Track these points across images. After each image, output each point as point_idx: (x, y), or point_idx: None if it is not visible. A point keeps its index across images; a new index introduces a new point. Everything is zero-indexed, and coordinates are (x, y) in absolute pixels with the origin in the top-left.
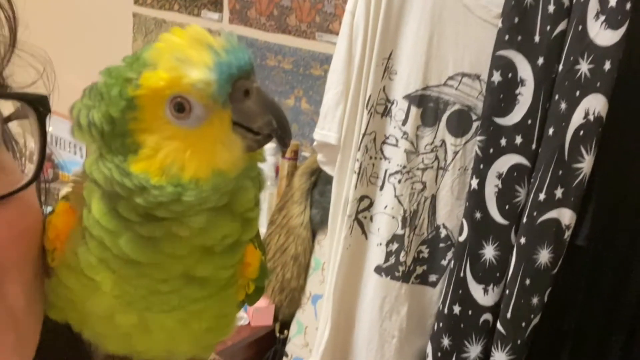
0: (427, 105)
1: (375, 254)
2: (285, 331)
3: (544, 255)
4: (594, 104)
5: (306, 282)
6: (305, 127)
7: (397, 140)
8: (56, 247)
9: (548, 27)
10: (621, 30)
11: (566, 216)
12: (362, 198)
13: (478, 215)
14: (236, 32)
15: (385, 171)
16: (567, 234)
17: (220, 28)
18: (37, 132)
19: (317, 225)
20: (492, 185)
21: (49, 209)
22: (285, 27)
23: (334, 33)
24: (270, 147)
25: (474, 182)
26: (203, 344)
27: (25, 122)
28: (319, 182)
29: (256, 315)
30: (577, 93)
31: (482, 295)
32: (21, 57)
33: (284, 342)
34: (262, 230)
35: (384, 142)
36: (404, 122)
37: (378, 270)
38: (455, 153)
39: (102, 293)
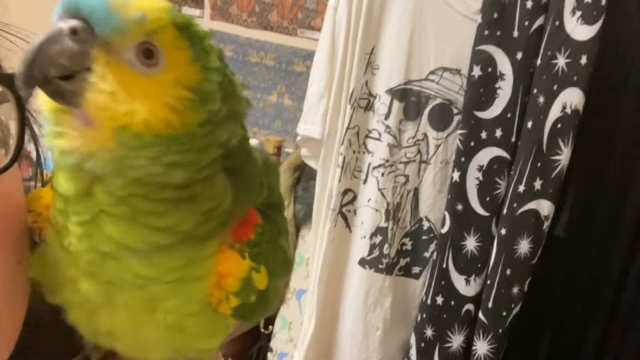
0: (409, 100)
1: (359, 247)
2: (270, 326)
3: (523, 246)
4: (571, 98)
5: (290, 277)
6: (288, 124)
7: (380, 134)
8: (42, 212)
9: (526, 22)
10: (597, 25)
11: (545, 207)
12: (345, 192)
13: (459, 207)
14: (218, 28)
15: (369, 165)
16: (546, 224)
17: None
18: (16, 114)
19: (301, 220)
20: (473, 178)
21: None
22: (267, 24)
23: (316, 29)
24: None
25: (456, 175)
26: (175, 344)
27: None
28: (303, 178)
29: None
30: (555, 87)
31: (464, 285)
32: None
33: (269, 337)
34: None
35: (367, 136)
36: (387, 116)
37: (362, 262)
38: (437, 146)
39: (69, 254)
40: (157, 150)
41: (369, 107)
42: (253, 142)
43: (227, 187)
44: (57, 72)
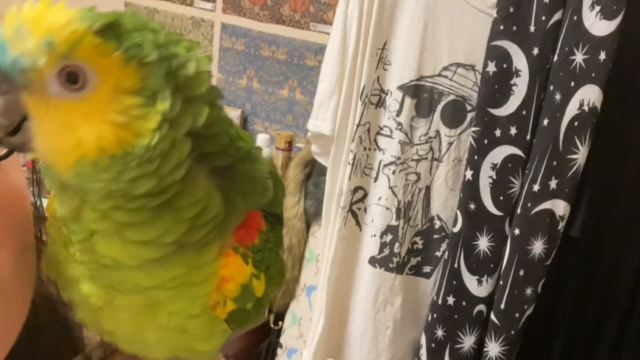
0: (421, 96)
1: (370, 245)
2: (280, 322)
3: (538, 246)
4: (589, 95)
5: (300, 273)
6: (299, 118)
7: (391, 131)
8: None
9: (543, 17)
10: (616, 21)
11: (560, 207)
12: (356, 189)
13: (472, 206)
14: (229, 22)
15: (380, 162)
16: (561, 225)
17: (214, 18)
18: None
19: (312, 216)
20: (486, 176)
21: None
22: (279, 17)
23: (328, 23)
24: (264, 138)
25: (469, 173)
26: (176, 345)
27: None
28: (314, 174)
29: None
30: (572, 84)
31: (476, 286)
32: None
33: (279, 333)
34: None
35: (378, 133)
36: (398, 113)
37: (372, 261)
38: (450, 144)
39: (72, 258)
40: (115, 171)
41: (380, 103)
42: (264, 136)
43: (213, 191)
44: (2, 132)
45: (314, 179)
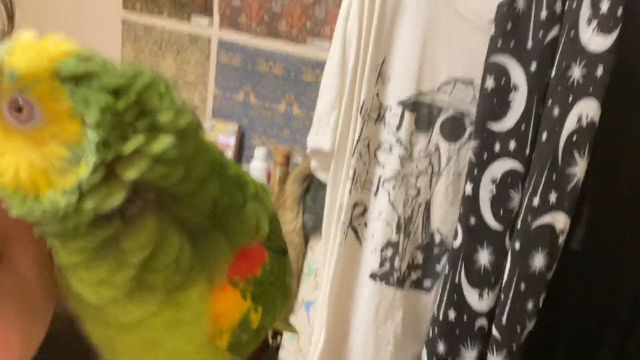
0: (420, 111)
1: (370, 260)
2: (278, 337)
3: (538, 260)
4: (587, 109)
5: (299, 288)
6: (297, 133)
7: (391, 146)
8: None
9: (541, 33)
10: (613, 36)
11: (560, 221)
12: (356, 204)
13: (472, 220)
14: (227, 37)
15: (380, 177)
16: (562, 238)
17: (210, 34)
18: None
19: (310, 231)
20: (486, 191)
21: None
22: (276, 33)
23: (325, 38)
24: (262, 150)
25: (468, 188)
26: None
27: None
28: (312, 188)
29: None
30: (570, 98)
31: (477, 300)
32: None
33: (277, 348)
34: None
35: (377, 148)
36: (398, 128)
37: (373, 276)
38: (449, 159)
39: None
40: (28, 208)
41: (379, 118)
42: (261, 150)
43: (171, 237)
44: None
45: (312, 193)
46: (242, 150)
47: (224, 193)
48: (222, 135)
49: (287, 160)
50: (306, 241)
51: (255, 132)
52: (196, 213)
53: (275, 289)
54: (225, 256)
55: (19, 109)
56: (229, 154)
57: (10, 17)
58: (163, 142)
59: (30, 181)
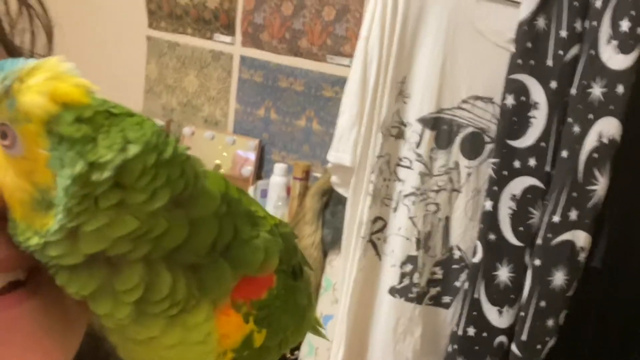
0: (440, 128)
1: (389, 276)
2: (296, 352)
3: (559, 277)
4: (608, 127)
5: (317, 302)
6: (317, 148)
7: (411, 162)
8: None
9: (561, 52)
10: (634, 55)
11: (581, 238)
12: (376, 219)
13: (492, 237)
14: (248, 54)
15: (399, 193)
16: (582, 256)
17: (233, 51)
18: None
19: (329, 245)
20: (506, 207)
21: None
22: (297, 50)
23: (345, 55)
24: (281, 167)
25: (488, 204)
26: None
27: None
28: (331, 203)
29: None
30: (590, 116)
31: (497, 317)
32: None
33: None
34: None
35: (397, 164)
36: (418, 145)
37: (392, 291)
38: (469, 175)
39: None
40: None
41: (400, 135)
42: (281, 166)
43: (162, 274)
44: None
45: (331, 208)
46: (262, 164)
47: (226, 231)
48: (240, 150)
49: (307, 175)
50: (325, 255)
51: (275, 147)
52: (188, 254)
53: (283, 311)
54: (229, 283)
55: (4, 135)
56: (249, 169)
57: (50, 39)
58: (127, 226)
59: (8, 195)
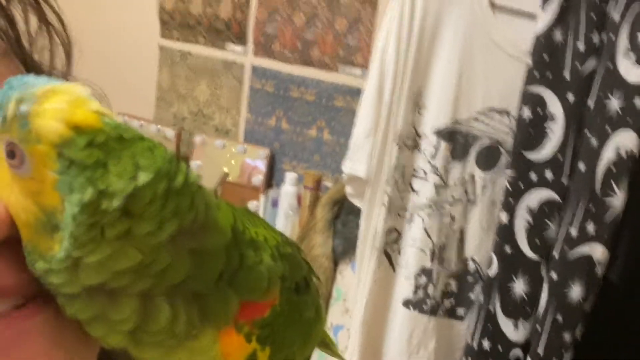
0: (456, 140)
1: (404, 287)
2: None
3: (576, 291)
4: (626, 140)
5: (327, 312)
6: (327, 158)
7: (426, 173)
8: None
9: (578, 64)
10: None
11: (598, 252)
12: (390, 231)
13: (508, 249)
14: (260, 64)
15: (414, 204)
16: (600, 269)
17: (244, 61)
18: None
19: (340, 255)
20: (522, 220)
21: None
22: (309, 60)
23: (357, 65)
24: (292, 176)
25: (504, 217)
26: None
27: None
28: (342, 213)
29: None
30: (608, 129)
31: (513, 330)
32: None
33: None
34: None
35: (413, 176)
36: (433, 156)
37: (406, 303)
38: (484, 187)
39: None
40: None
41: (415, 146)
42: (292, 175)
43: (159, 307)
44: None
45: (342, 218)
46: (272, 174)
47: (233, 260)
48: (248, 159)
49: (318, 184)
50: (335, 265)
51: (286, 157)
52: (194, 284)
53: (287, 327)
54: (233, 308)
55: (12, 154)
56: (259, 178)
57: (69, 57)
58: (129, 259)
59: (16, 217)
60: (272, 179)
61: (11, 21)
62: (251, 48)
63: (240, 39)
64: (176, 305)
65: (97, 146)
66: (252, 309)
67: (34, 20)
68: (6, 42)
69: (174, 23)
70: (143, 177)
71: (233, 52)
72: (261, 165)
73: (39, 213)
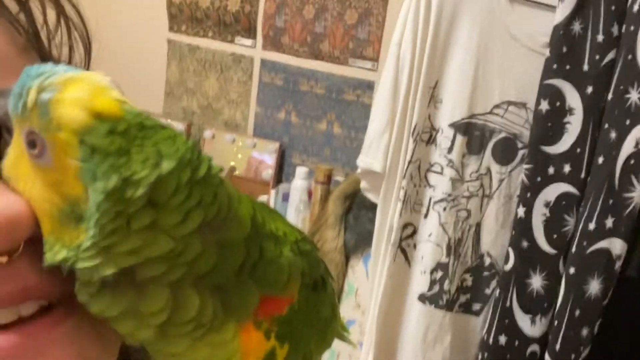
0: (472, 134)
1: (419, 282)
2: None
3: (594, 286)
4: None
5: (339, 307)
6: (337, 152)
7: (442, 168)
8: None
9: (597, 57)
10: None
11: (617, 246)
12: (406, 225)
13: (525, 244)
14: (269, 58)
15: (430, 199)
16: (618, 264)
17: (253, 54)
18: None
19: (351, 249)
20: (539, 214)
21: None
22: (319, 53)
23: (367, 59)
24: (303, 171)
25: (521, 211)
26: None
27: None
28: (354, 207)
29: None
30: (628, 122)
31: (529, 325)
32: None
33: None
34: None
35: (428, 170)
36: (450, 150)
37: (422, 298)
38: (501, 181)
39: None
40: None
41: (431, 140)
42: (302, 169)
43: (188, 297)
44: None
45: (354, 212)
46: (282, 168)
47: (253, 253)
48: (255, 153)
49: (329, 179)
50: (347, 260)
51: (295, 151)
52: (217, 276)
53: (304, 325)
54: (254, 300)
55: (33, 144)
56: (269, 172)
57: (88, 52)
58: (162, 246)
59: (39, 210)
60: (281, 173)
61: (30, 16)
62: (260, 41)
63: (249, 33)
64: (203, 295)
65: (119, 134)
66: (271, 305)
67: (52, 15)
68: (25, 38)
69: (182, 17)
70: (166, 165)
71: (242, 45)
72: (268, 159)
73: (61, 204)
